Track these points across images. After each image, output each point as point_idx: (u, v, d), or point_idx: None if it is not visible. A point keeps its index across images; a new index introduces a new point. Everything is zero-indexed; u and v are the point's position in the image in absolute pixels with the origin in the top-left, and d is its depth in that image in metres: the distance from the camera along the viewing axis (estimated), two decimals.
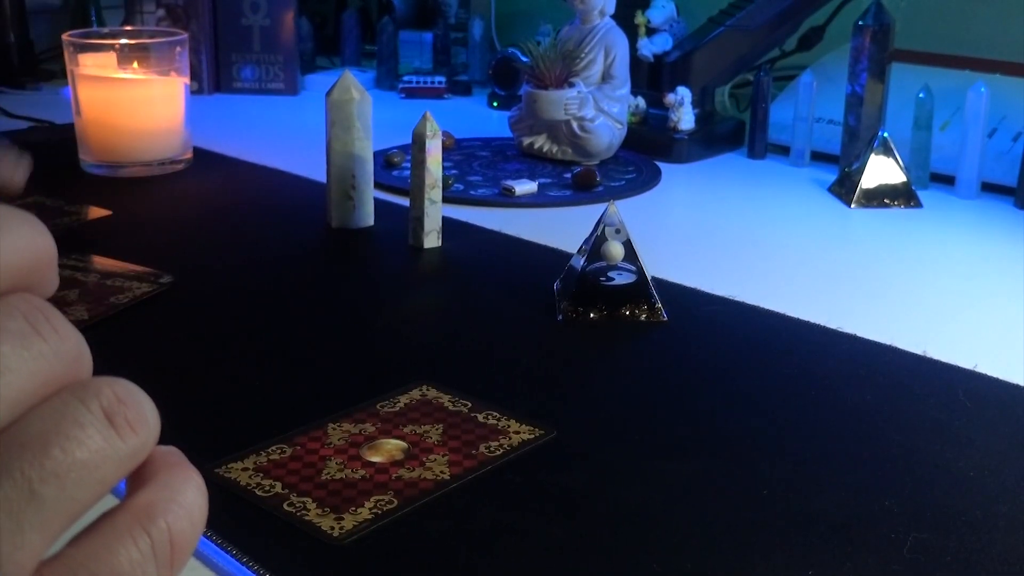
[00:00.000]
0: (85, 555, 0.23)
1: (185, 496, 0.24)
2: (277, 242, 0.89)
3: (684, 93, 1.17)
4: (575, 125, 1.11)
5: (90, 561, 0.23)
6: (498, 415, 0.58)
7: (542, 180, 1.06)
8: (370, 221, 0.92)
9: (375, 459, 0.53)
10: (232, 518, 0.48)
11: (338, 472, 0.52)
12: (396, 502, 0.49)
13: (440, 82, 1.50)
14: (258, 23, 1.47)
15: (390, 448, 0.54)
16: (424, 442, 0.55)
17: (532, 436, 0.56)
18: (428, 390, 0.61)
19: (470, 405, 0.59)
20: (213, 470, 0.52)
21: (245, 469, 0.52)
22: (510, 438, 0.55)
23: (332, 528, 0.47)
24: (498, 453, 0.54)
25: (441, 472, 0.52)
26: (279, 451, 0.54)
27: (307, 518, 0.48)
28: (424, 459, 0.53)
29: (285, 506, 0.49)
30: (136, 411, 0.24)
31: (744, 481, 0.52)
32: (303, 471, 0.52)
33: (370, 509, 0.49)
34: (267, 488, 0.51)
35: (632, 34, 1.18)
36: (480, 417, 0.58)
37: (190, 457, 0.24)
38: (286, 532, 0.48)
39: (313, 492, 0.50)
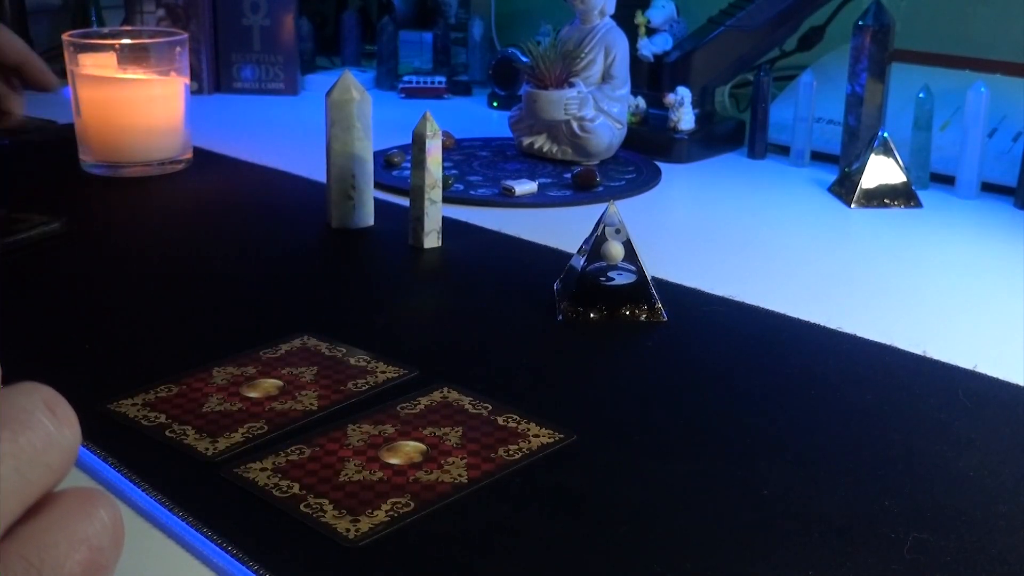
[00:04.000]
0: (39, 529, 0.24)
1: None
2: (277, 242, 0.89)
3: (684, 93, 1.17)
4: (575, 125, 1.11)
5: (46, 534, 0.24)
6: (518, 418, 0.57)
7: (542, 180, 1.06)
8: (370, 221, 0.92)
9: (393, 461, 0.53)
10: (236, 522, 0.48)
11: (356, 474, 0.52)
12: (413, 505, 0.49)
13: (440, 82, 1.50)
14: (258, 23, 1.47)
15: (408, 450, 0.54)
16: (443, 444, 0.55)
17: (552, 440, 0.55)
18: (449, 392, 0.60)
19: (490, 408, 0.59)
20: (232, 470, 0.52)
21: (264, 470, 0.52)
22: (529, 442, 0.55)
23: (348, 530, 0.47)
24: (516, 457, 0.54)
25: (459, 475, 0.52)
26: (298, 452, 0.54)
27: (323, 520, 0.48)
28: (442, 461, 0.53)
29: (302, 507, 0.49)
30: (67, 410, 0.26)
31: (744, 481, 0.52)
32: (321, 472, 0.52)
33: (386, 512, 0.49)
34: (284, 489, 0.50)
35: (632, 34, 1.18)
36: (500, 420, 0.57)
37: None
38: (295, 533, 0.48)
39: (330, 493, 0.50)
